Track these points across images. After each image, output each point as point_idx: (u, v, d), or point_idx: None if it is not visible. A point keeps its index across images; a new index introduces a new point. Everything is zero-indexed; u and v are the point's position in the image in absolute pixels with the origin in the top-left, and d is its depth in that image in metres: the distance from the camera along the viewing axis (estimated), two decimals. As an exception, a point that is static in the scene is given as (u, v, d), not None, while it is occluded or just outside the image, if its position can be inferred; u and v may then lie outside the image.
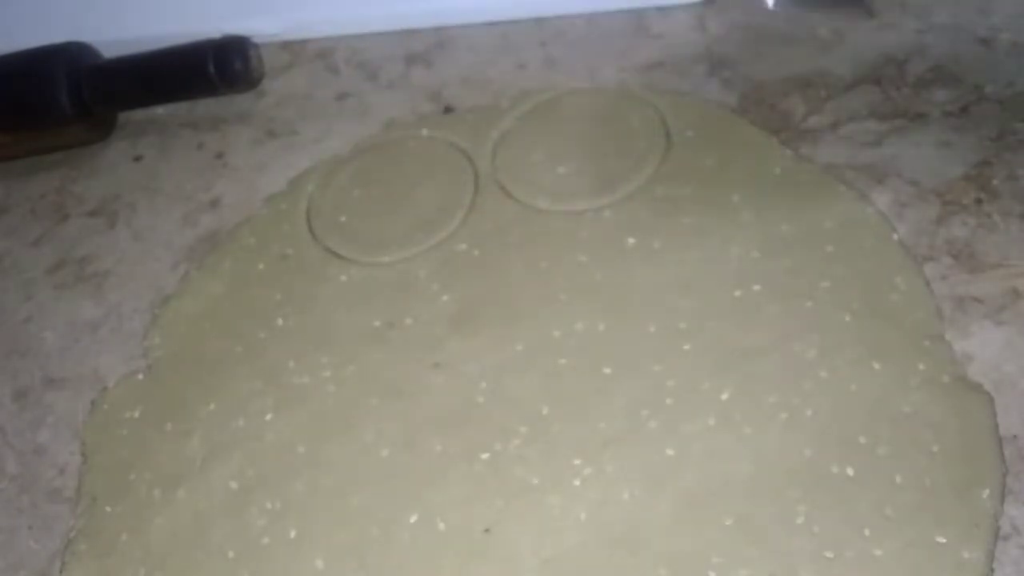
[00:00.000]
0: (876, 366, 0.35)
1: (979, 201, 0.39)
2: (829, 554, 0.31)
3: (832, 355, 0.35)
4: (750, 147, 0.43)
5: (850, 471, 0.33)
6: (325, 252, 0.44)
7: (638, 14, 0.50)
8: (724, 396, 0.35)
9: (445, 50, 0.52)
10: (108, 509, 0.37)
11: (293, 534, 0.35)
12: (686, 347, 0.37)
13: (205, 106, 0.52)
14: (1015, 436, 0.33)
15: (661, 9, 0.50)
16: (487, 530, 0.34)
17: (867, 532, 0.31)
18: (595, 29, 0.51)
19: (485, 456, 0.35)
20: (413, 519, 0.34)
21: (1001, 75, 0.42)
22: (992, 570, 0.30)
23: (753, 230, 0.39)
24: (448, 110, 0.49)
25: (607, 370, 0.37)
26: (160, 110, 0.53)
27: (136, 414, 0.40)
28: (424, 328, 0.40)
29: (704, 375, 0.36)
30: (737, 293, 0.38)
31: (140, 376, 0.41)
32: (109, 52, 0.51)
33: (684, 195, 0.41)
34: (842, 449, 0.33)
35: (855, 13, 0.47)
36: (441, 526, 0.34)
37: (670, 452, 0.34)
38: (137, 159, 0.51)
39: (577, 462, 0.35)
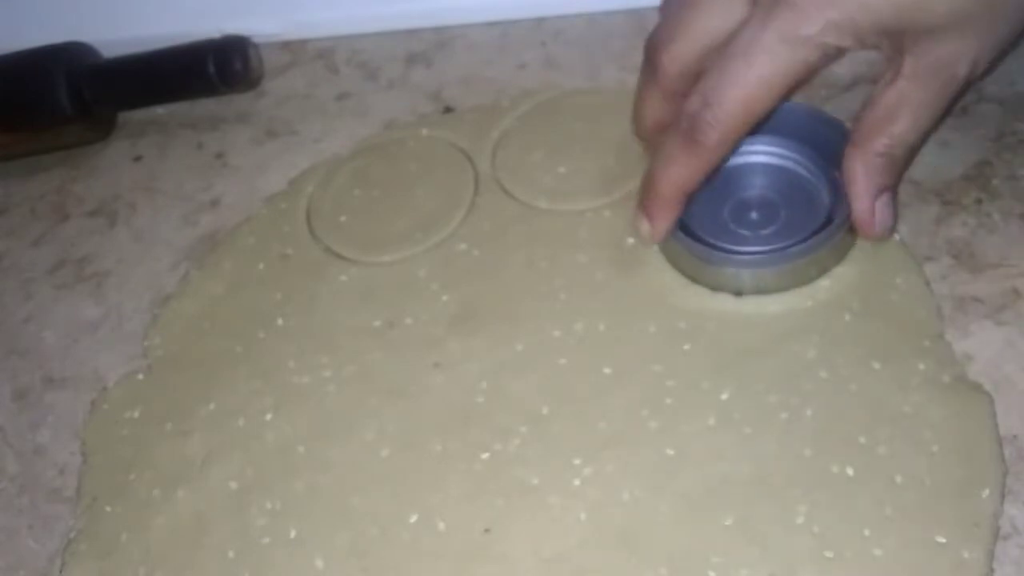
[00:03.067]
0: (876, 366, 0.35)
1: (979, 201, 0.39)
2: (829, 554, 0.31)
3: (832, 355, 0.35)
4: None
5: (850, 471, 0.33)
6: (325, 252, 0.44)
7: (638, 14, 0.50)
8: (724, 396, 0.35)
9: (445, 50, 0.52)
10: (108, 509, 0.37)
11: (293, 534, 0.35)
12: (686, 347, 0.37)
13: (205, 106, 0.52)
14: (1015, 436, 0.33)
15: (661, 9, 0.50)
16: (487, 530, 0.34)
17: (867, 532, 0.31)
18: (595, 29, 0.51)
19: (485, 456, 0.35)
20: (413, 519, 0.34)
21: (1001, 75, 0.42)
22: (992, 570, 0.30)
23: (753, 230, 0.40)
24: (448, 110, 0.49)
25: (607, 370, 0.37)
26: (160, 110, 0.53)
27: (136, 414, 0.40)
28: (424, 328, 0.40)
29: (704, 375, 0.36)
30: (738, 293, 0.38)
31: (140, 376, 0.41)
32: (109, 52, 0.51)
33: (684, 195, 0.41)
34: (842, 449, 0.33)
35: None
36: (441, 526, 0.34)
37: (670, 452, 0.34)
38: (137, 159, 0.51)
39: (577, 462, 0.35)
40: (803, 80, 0.34)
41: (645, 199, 0.37)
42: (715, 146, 0.35)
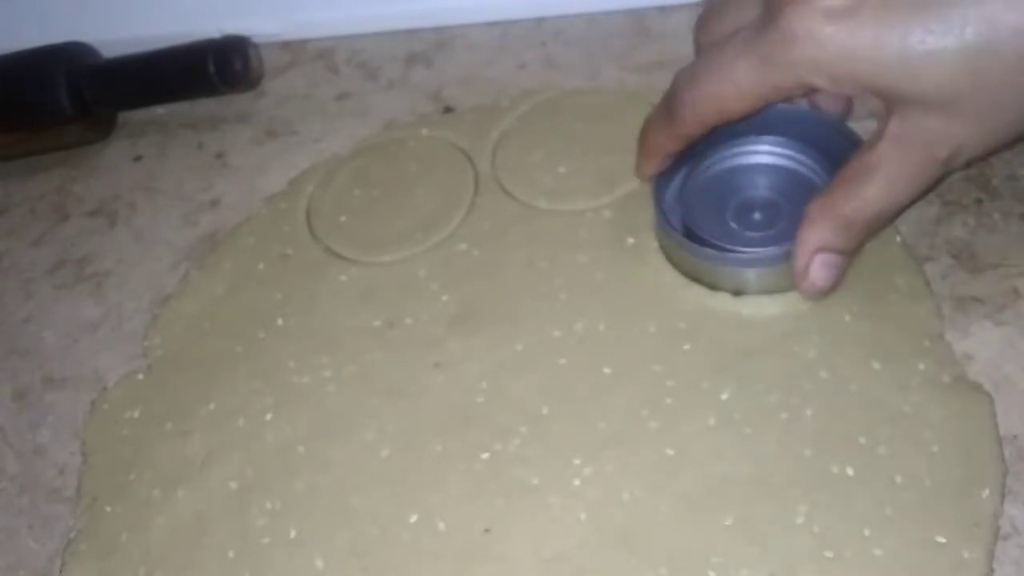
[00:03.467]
0: (876, 366, 0.35)
1: (979, 201, 0.39)
2: (829, 554, 0.31)
3: (832, 355, 0.35)
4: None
5: (850, 471, 0.33)
6: (325, 252, 0.44)
7: (638, 14, 0.50)
8: (724, 396, 0.35)
9: (445, 50, 0.52)
10: (108, 509, 0.37)
11: (293, 534, 0.35)
12: (686, 347, 0.37)
13: (205, 106, 0.52)
14: (1015, 436, 0.33)
15: (661, 9, 0.50)
16: (487, 530, 0.34)
17: (867, 532, 0.31)
18: (595, 29, 0.51)
19: (485, 456, 0.35)
20: (413, 519, 0.34)
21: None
22: (992, 570, 0.30)
23: (753, 230, 0.40)
24: (448, 110, 0.49)
25: (607, 370, 0.37)
26: (160, 110, 0.53)
27: (136, 414, 0.40)
28: (424, 328, 0.40)
29: (704, 375, 0.36)
30: (737, 293, 0.38)
31: (140, 376, 0.41)
32: (109, 52, 0.51)
33: (684, 195, 0.41)
34: (842, 449, 0.33)
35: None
36: (441, 526, 0.34)
37: (670, 452, 0.34)
38: (137, 159, 0.51)
39: (577, 462, 0.35)
40: (777, 99, 0.34)
41: (638, 143, 0.39)
42: (687, 122, 0.36)
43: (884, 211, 0.34)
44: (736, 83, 0.34)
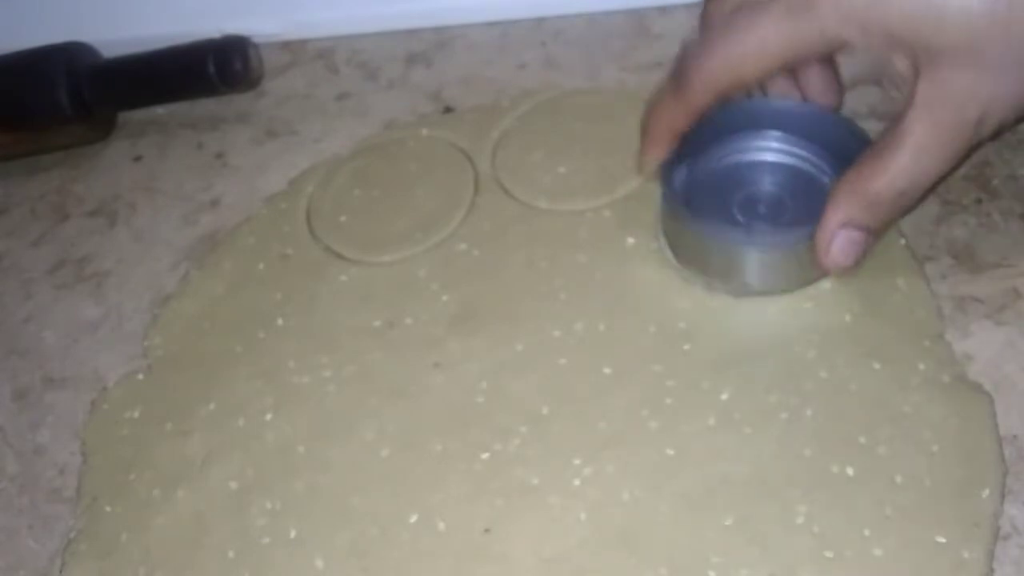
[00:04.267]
0: (876, 366, 0.35)
1: (979, 201, 0.39)
2: (829, 554, 0.31)
3: (832, 355, 0.35)
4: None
5: (850, 471, 0.33)
6: (325, 252, 0.44)
7: (638, 14, 0.50)
8: (724, 396, 0.35)
9: (445, 50, 0.52)
10: (108, 509, 0.37)
11: (293, 534, 0.35)
12: (686, 347, 0.37)
13: (205, 106, 0.52)
14: (1015, 436, 0.33)
15: (661, 9, 0.50)
16: (487, 530, 0.34)
17: (867, 532, 0.31)
18: (595, 29, 0.51)
19: (485, 456, 0.35)
20: (413, 519, 0.34)
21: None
22: (992, 570, 0.30)
23: (753, 230, 0.40)
24: (448, 110, 0.49)
25: (607, 370, 0.37)
26: (160, 110, 0.53)
27: (136, 414, 0.40)
28: (424, 328, 0.40)
29: (704, 375, 0.36)
30: (740, 290, 0.38)
31: (140, 376, 0.41)
32: (109, 52, 0.51)
33: (684, 195, 0.41)
34: (842, 449, 0.33)
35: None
36: (441, 526, 0.34)
37: (670, 452, 0.34)
38: (137, 159, 0.51)
39: (577, 462, 0.35)
40: (798, 59, 0.34)
41: (641, 132, 0.38)
42: (697, 93, 0.35)
43: (912, 185, 0.33)
44: (759, 40, 0.33)
